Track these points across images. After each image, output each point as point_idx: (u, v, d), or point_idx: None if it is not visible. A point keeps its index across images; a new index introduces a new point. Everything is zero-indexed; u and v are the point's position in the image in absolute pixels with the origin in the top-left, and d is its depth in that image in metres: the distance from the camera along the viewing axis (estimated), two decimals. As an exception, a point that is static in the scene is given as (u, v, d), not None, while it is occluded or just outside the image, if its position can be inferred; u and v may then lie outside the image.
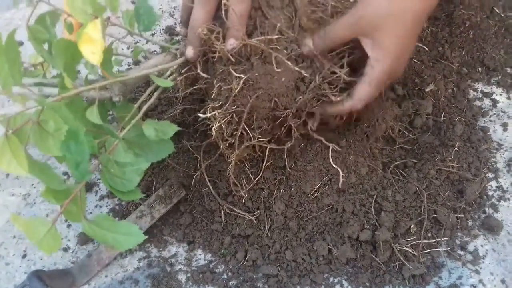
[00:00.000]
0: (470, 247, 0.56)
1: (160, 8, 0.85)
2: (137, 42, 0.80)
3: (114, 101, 0.52)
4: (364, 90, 0.51)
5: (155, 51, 0.77)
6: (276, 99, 0.51)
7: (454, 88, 0.68)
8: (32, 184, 0.68)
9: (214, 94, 0.51)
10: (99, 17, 0.45)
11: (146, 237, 0.48)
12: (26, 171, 0.40)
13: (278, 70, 0.49)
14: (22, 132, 0.42)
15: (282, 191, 0.60)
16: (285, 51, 0.50)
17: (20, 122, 0.43)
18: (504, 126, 0.66)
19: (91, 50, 0.41)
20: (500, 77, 0.70)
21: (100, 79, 0.53)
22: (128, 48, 0.80)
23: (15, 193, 0.67)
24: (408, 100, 0.67)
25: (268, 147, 0.57)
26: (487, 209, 0.58)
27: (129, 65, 0.78)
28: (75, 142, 0.41)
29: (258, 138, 0.53)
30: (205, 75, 0.52)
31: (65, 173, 0.68)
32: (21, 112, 0.43)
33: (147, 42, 0.80)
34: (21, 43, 0.78)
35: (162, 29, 0.83)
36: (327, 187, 0.59)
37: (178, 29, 0.81)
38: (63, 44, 0.42)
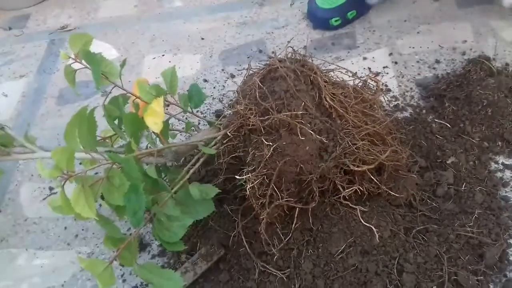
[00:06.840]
0: (493, 309, 0.58)
1: (211, 95, 0.99)
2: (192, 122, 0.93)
3: (167, 166, 0.63)
4: None
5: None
6: (301, 165, 0.59)
7: (476, 161, 0.73)
8: (96, 244, 0.77)
9: (249, 159, 0.60)
10: (161, 97, 0.58)
11: (185, 283, 0.55)
12: (94, 215, 0.50)
13: (303, 138, 0.58)
14: (95, 187, 0.53)
15: (310, 251, 0.65)
16: (309, 125, 0.59)
17: (92, 180, 0.55)
18: (525, 196, 0.69)
19: (154, 120, 0.53)
20: (520, 150, 0.74)
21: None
22: (183, 129, 0.93)
23: (82, 251, 0.77)
24: (430, 171, 0.72)
25: (296, 212, 0.64)
26: (508, 273, 0.60)
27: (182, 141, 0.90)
28: (135, 194, 0.51)
29: (286, 198, 0.60)
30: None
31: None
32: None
33: (199, 123, 0.93)
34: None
35: (212, 112, 0.96)
36: (351, 248, 0.63)
37: (226, 112, 0.93)
38: (131, 117, 0.54)
